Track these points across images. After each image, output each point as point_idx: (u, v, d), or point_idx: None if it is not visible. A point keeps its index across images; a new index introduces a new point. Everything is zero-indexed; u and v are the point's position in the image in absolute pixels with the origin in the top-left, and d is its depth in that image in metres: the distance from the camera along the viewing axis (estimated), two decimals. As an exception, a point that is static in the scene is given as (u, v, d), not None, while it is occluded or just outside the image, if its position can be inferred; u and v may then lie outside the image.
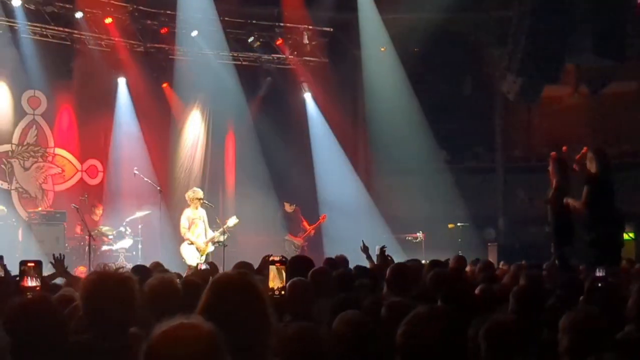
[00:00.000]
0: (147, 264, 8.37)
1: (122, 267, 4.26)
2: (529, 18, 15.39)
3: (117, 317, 3.85)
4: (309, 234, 16.18)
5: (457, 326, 3.17)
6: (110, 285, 3.89)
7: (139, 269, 6.95)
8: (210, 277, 3.78)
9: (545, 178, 11.05)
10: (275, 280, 4.82)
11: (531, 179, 17.79)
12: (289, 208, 15.99)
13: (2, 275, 6.04)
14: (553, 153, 10.81)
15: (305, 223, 16.28)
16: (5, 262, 11.86)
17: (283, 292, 4.85)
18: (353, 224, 16.85)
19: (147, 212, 15.84)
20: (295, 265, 6.76)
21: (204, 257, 13.72)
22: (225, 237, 14.14)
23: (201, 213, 14.11)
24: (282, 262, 4.94)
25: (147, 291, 4.77)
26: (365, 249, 9.17)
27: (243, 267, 7.23)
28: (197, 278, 6.72)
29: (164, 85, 17.74)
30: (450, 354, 3.04)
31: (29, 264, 5.44)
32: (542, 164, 12.07)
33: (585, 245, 10.00)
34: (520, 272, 7.37)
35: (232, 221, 14.40)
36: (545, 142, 19.56)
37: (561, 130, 19.28)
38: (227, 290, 3.24)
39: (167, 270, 7.49)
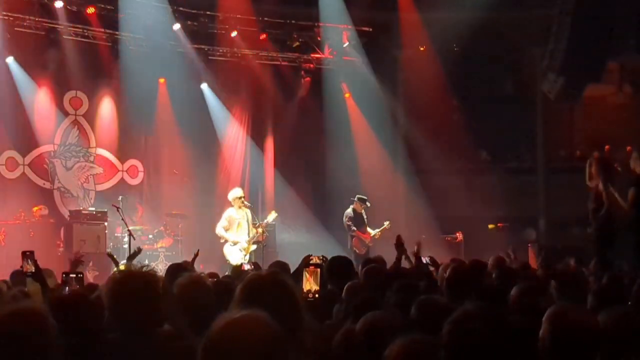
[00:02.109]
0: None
1: (148, 266, 4.26)
2: (571, 16, 15.19)
3: (142, 315, 3.85)
4: (375, 237, 15.83)
5: (505, 325, 3.13)
6: (134, 284, 3.89)
7: (173, 268, 6.98)
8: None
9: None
10: (310, 283, 4.80)
11: (573, 179, 17.55)
12: (359, 208, 15.75)
13: (33, 270, 6.08)
14: (596, 154, 10.67)
15: (366, 226, 16.04)
16: (47, 261, 12.04)
17: (317, 295, 4.82)
18: (394, 224, 16.78)
19: (186, 212, 15.93)
20: (334, 265, 6.73)
21: (247, 257, 13.74)
22: (265, 236, 14.17)
23: (245, 213, 14.13)
24: (317, 265, 4.91)
25: (177, 290, 4.75)
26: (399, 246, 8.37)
27: (277, 267, 7.21)
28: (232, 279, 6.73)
29: (203, 85, 17.82)
30: (498, 353, 3.00)
31: (71, 275, 5.52)
32: (584, 165, 11.90)
33: (629, 247, 9.84)
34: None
35: (272, 216, 14.40)
36: (588, 142, 19.29)
37: (604, 131, 18.99)
38: (259, 290, 3.24)
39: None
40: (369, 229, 15.65)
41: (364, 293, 5.48)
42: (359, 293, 5.39)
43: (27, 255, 6.08)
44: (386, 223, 15.59)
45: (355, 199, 15.69)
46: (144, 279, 3.92)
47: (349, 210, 15.67)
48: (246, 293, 3.23)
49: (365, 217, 15.75)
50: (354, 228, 15.49)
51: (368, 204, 15.71)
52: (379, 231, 15.56)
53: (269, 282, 3.28)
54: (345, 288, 5.68)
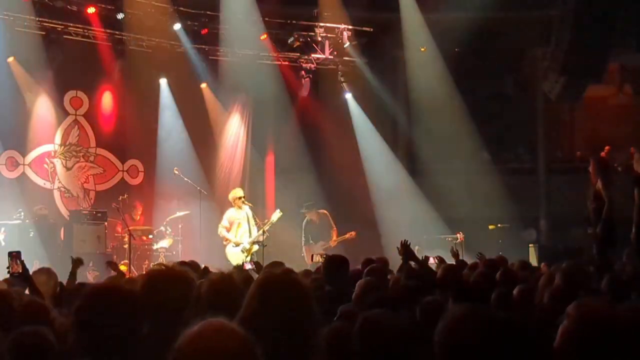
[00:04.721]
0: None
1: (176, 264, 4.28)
2: (572, 17, 15.19)
3: (175, 312, 3.83)
4: (330, 247, 15.84)
5: (498, 326, 3.12)
6: (169, 280, 3.89)
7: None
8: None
9: (588, 179, 10.92)
10: None
11: (573, 180, 17.56)
12: (315, 218, 15.63)
13: (20, 271, 6.05)
14: (603, 153, 10.67)
15: (335, 232, 15.97)
16: (47, 261, 12.05)
17: None
18: (395, 223, 16.80)
19: (187, 212, 15.93)
20: (331, 264, 6.72)
21: (249, 258, 13.69)
22: (265, 237, 14.15)
23: (245, 213, 14.09)
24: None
25: (207, 287, 4.75)
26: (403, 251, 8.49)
27: (275, 266, 7.19)
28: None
29: (203, 85, 17.82)
30: (490, 352, 3.00)
31: (13, 253, 5.65)
32: (584, 165, 11.90)
33: (631, 246, 9.83)
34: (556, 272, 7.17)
35: (276, 215, 14.36)
36: (588, 143, 19.32)
37: (605, 131, 19.02)
38: (274, 290, 3.22)
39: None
40: (334, 233, 15.68)
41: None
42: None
43: (14, 255, 6.05)
44: (349, 233, 15.67)
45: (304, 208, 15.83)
46: (178, 275, 3.93)
47: (304, 221, 15.75)
48: (261, 292, 3.21)
49: (327, 221, 15.75)
50: (304, 241, 15.62)
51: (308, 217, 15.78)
52: (336, 240, 15.64)
53: (283, 281, 3.26)
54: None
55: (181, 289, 3.87)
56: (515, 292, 5.49)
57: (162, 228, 15.79)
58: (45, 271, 6.90)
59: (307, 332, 3.12)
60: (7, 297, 4.81)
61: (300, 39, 17.92)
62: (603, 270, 8.43)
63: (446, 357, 3.05)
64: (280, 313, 3.09)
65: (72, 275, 7.53)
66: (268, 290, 3.22)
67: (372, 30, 18.37)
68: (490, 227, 17.12)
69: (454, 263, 8.56)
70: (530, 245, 16.40)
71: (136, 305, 3.81)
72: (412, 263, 7.85)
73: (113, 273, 7.93)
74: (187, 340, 2.39)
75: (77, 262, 7.62)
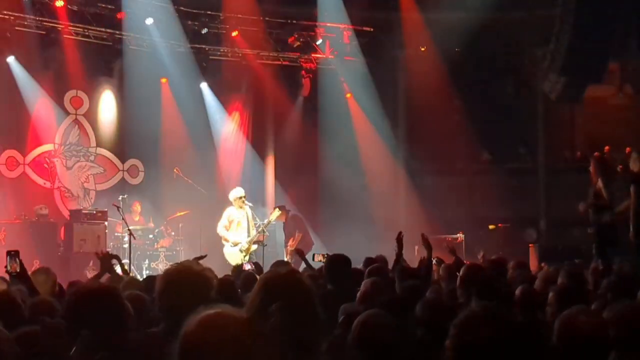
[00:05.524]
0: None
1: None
2: (573, 17, 15.19)
3: (192, 311, 3.82)
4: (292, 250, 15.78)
5: (513, 326, 3.12)
6: (187, 279, 3.89)
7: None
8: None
9: (588, 179, 10.92)
10: None
11: (574, 180, 17.55)
12: (281, 216, 15.41)
13: (18, 270, 6.02)
14: (596, 153, 10.66)
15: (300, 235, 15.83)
16: (47, 261, 12.04)
17: None
18: (395, 223, 16.79)
19: (187, 211, 15.93)
20: (334, 264, 6.71)
21: (247, 257, 13.66)
22: (265, 236, 14.14)
23: (245, 213, 14.06)
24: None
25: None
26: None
27: (280, 266, 7.19)
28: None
29: (203, 84, 17.82)
30: (505, 353, 3.00)
31: (12, 252, 5.64)
32: (584, 165, 11.89)
33: (631, 245, 9.83)
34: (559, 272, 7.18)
35: (274, 215, 14.35)
36: (588, 143, 19.29)
37: (605, 131, 18.97)
38: (279, 289, 3.22)
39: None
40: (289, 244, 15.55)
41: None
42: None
43: (12, 254, 6.01)
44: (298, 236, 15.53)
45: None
46: (198, 274, 3.93)
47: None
48: (265, 292, 3.21)
49: (300, 225, 15.55)
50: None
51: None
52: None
53: (287, 280, 3.27)
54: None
55: (199, 287, 3.86)
56: (517, 292, 5.48)
57: (162, 228, 15.79)
58: (44, 271, 6.87)
59: (310, 331, 3.12)
60: (13, 297, 4.80)
61: (300, 39, 17.93)
62: (604, 270, 8.45)
63: (457, 355, 3.05)
64: (284, 312, 3.09)
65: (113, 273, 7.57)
66: (272, 288, 3.23)
67: (372, 30, 18.38)
68: (490, 227, 17.11)
69: (453, 261, 8.55)
70: (530, 245, 16.40)
71: (123, 306, 3.83)
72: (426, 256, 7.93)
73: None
74: (193, 323, 2.44)
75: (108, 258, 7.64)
